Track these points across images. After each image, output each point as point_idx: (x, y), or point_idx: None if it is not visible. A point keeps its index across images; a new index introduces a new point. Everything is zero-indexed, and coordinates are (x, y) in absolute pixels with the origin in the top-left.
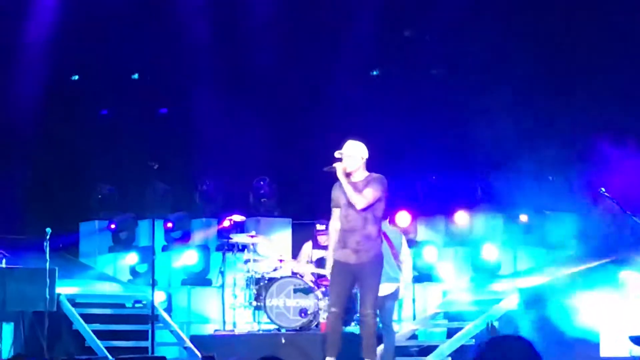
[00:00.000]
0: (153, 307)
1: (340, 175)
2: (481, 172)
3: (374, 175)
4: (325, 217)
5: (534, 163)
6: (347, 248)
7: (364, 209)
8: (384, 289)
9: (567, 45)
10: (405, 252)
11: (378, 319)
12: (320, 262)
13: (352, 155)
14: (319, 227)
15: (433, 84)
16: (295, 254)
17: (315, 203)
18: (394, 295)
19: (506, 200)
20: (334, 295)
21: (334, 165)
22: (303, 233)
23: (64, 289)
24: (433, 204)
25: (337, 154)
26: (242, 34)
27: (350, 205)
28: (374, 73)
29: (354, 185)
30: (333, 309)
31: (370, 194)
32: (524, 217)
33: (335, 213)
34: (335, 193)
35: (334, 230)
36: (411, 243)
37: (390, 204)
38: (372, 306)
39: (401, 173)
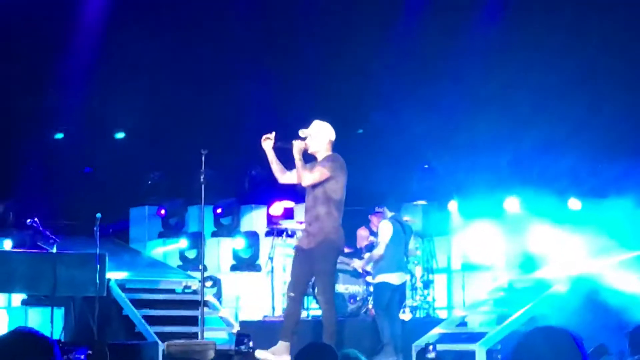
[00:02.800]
0: (203, 292)
1: (295, 152)
2: (532, 154)
3: (331, 154)
4: (379, 202)
5: (587, 148)
6: (304, 229)
7: (312, 187)
8: (398, 278)
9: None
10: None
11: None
12: (370, 248)
13: (317, 136)
14: (377, 209)
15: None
16: (347, 241)
17: (367, 188)
18: (404, 285)
19: (557, 185)
20: (292, 279)
21: (293, 142)
22: (355, 219)
23: (114, 274)
24: (480, 189)
25: (301, 133)
26: (289, 15)
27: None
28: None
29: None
30: (290, 294)
31: (318, 171)
32: (575, 202)
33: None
34: None
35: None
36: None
37: (443, 192)
38: (323, 291)
39: (448, 158)
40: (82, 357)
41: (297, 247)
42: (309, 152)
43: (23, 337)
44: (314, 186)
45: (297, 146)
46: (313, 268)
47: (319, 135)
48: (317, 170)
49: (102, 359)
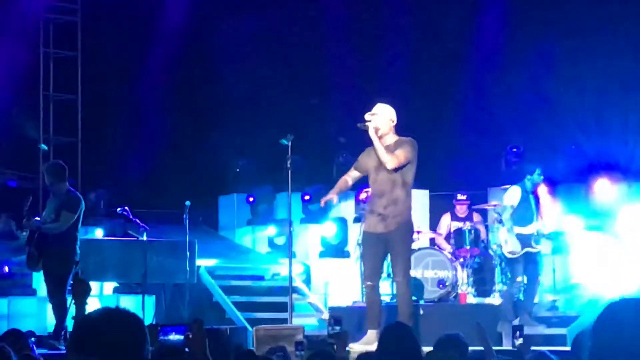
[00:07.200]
0: (291, 279)
1: (372, 133)
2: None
3: (405, 138)
4: (464, 187)
5: None
6: (373, 214)
7: (395, 170)
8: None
9: None
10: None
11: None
12: (459, 233)
13: (382, 116)
14: (459, 196)
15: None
16: (432, 226)
17: (453, 174)
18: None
19: None
20: (368, 268)
21: (366, 124)
22: (441, 204)
23: (204, 262)
24: (573, 174)
25: (367, 116)
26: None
27: (379, 167)
28: None
29: (385, 147)
30: (369, 282)
31: (402, 154)
32: None
33: (351, 172)
34: (364, 156)
35: (343, 180)
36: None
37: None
38: (403, 273)
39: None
40: (181, 337)
41: (367, 233)
42: (378, 133)
43: (114, 313)
44: (395, 170)
45: (372, 127)
46: (392, 251)
47: (383, 117)
48: (401, 155)
49: (200, 340)
